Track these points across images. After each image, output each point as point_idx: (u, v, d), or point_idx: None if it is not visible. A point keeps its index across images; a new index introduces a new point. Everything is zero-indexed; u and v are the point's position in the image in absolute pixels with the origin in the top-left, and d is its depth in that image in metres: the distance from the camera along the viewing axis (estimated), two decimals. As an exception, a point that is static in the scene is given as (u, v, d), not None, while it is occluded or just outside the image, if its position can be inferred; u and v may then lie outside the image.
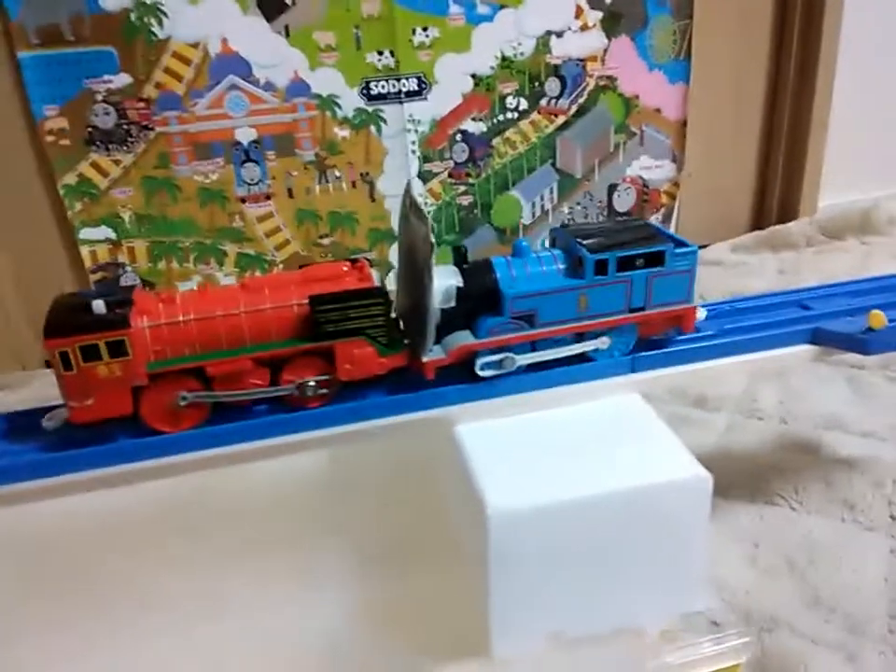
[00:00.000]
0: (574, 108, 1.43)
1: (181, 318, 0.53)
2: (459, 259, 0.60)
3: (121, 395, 0.52)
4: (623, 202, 1.54)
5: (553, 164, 1.46)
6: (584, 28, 1.37)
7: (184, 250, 1.28)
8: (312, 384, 0.56)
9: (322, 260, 1.34)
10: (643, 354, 0.61)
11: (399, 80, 1.29)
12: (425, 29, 1.27)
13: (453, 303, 0.58)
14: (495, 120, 1.38)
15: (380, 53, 1.26)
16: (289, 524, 0.70)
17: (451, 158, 1.38)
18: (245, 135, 1.25)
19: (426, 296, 0.55)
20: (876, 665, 0.64)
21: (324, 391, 0.57)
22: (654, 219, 1.58)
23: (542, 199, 1.48)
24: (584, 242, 0.60)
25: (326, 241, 1.35)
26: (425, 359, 0.57)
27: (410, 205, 0.58)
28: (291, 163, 1.28)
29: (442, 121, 1.34)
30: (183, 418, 0.55)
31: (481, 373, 0.59)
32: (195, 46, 1.19)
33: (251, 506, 0.72)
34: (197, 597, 0.63)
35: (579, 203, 1.50)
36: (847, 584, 0.71)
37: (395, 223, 1.38)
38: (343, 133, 1.29)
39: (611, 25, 1.39)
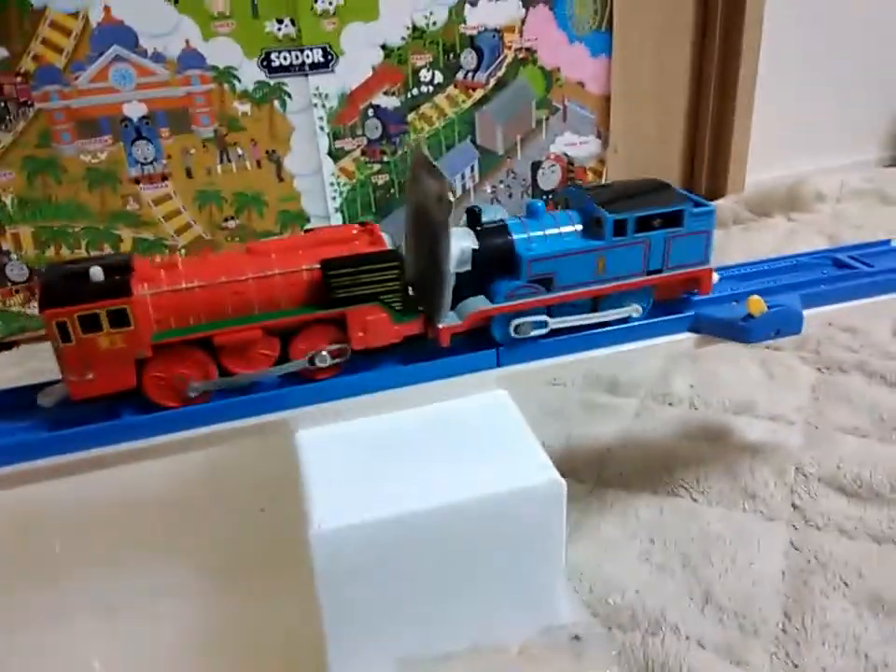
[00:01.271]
0: (492, 82, 1.37)
1: (185, 285, 0.49)
2: (473, 220, 0.57)
3: (124, 368, 0.49)
4: (548, 179, 1.49)
5: (473, 141, 1.40)
6: (500, -3, 1.31)
7: (74, 236, 1.20)
8: (324, 354, 0.52)
9: (227, 245, 1.29)
10: (509, 349, 0.56)
11: (302, 51, 1.21)
12: (328, -4, 1.20)
13: (468, 267, 0.55)
14: (409, 95, 1.31)
15: (280, 22, 1.18)
16: (145, 531, 0.64)
17: (363, 134, 1.31)
18: (135, 111, 1.16)
19: (442, 259, 0.51)
20: (766, 667, 0.61)
21: (336, 361, 0.53)
22: (581, 197, 1.53)
23: (463, 177, 1.42)
24: (602, 202, 0.57)
25: (231, 224, 1.28)
26: (440, 326, 0.54)
27: (421, 164, 0.54)
28: (188, 141, 1.20)
29: (352, 96, 1.27)
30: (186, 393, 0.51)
31: (515, 335, 0.56)
32: (74, 15, 1.10)
33: (109, 512, 0.67)
34: (44, 603, 0.57)
35: (502, 182, 1.45)
36: (741, 580, 0.68)
37: (305, 204, 1.32)
38: (243, 107, 1.21)
39: (528, -7, 1.33)
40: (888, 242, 0.73)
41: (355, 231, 0.55)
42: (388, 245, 0.54)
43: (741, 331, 0.59)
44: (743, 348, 1.04)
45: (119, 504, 0.68)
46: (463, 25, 1.30)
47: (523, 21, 1.34)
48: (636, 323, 0.60)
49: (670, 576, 0.69)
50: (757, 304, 0.58)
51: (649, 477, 0.82)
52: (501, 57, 1.36)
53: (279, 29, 1.19)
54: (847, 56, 1.66)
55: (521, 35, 1.36)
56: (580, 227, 0.58)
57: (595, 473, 0.83)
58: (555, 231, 0.58)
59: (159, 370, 0.50)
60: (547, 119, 1.44)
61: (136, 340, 0.48)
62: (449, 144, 1.38)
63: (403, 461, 0.47)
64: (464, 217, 0.59)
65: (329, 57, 1.23)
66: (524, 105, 1.41)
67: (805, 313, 0.63)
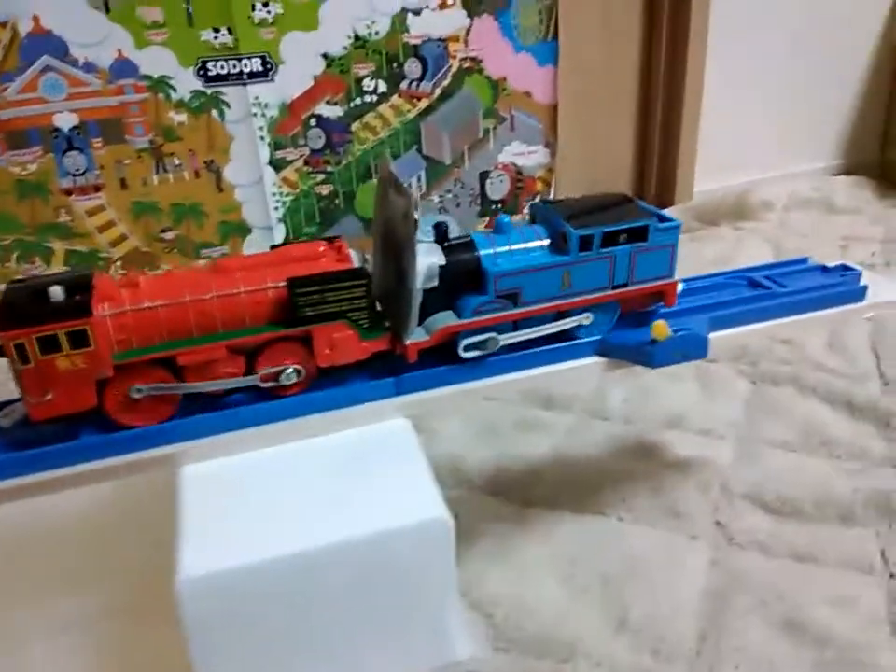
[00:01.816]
0: (438, 91, 1.36)
1: (147, 304, 0.49)
2: (440, 236, 0.56)
3: (84, 388, 0.48)
4: (497, 189, 1.49)
5: (419, 151, 1.39)
6: (443, 6, 1.30)
7: (4, 248, 1.17)
8: (289, 371, 0.52)
9: (166, 256, 1.26)
10: (408, 375, 0.55)
11: (240, 60, 1.19)
12: (266, 5, 1.18)
13: (435, 283, 0.55)
14: (352, 104, 1.30)
15: (216, 31, 1.16)
16: (51, 562, 0.62)
17: (306, 144, 1.29)
18: (66, 121, 1.13)
19: (408, 276, 0.52)
20: (677, 692, 0.61)
21: (301, 379, 0.53)
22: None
23: (410, 187, 1.41)
24: (568, 217, 0.57)
25: (169, 235, 1.25)
26: (407, 342, 0.54)
27: (388, 181, 0.54)
28: (122, 151, 1.18)
29: (293, 105, 1.26)
30: (151, 411, 0.51)
31: (464, 355, 0.56)
32: (3, 25, 1.07)
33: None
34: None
35: (449, 192, 1.44)
36: (659, 603, 0.68)
37: (247, 215, 1.30)
38: (179, 117, 1.19)
39: (473, 4, 1.32)
40: (805, 260, 0.73)
41: (322, 248, 0.55)
42: (355, 262, 0.54)
43: (646, 356, 0.58)
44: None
45: (26, 535, 0.66)
46: (406, 35, 1.29)
47: (468, 31, 1.34)
48: (546, 348, 0.59)
49: (589, 600, 0.68)
50: (661, 329, 0.57)
51: (575, 496, 0.81)
52: (446, 66, 1.35)
53: (216, 38, 1.17)
54: (796, 65, 1.68)
55: (466, 45, 1.35)
56: (546, 242, 0.59)
57: (523, 493, 0.82)
58: (522, 246, 0.58)
59: (120, 389, 0.49)
60: (494, 128, 1.43)
61: (97, 360, 0.48)
62: (394, 153, 1.37)
63: (287, 498, 0.46)
64: (431, 233, 0.58)
65: (269, 66, 1.21)
66: (470, 115, 1.40)
67: (717, 335, 0.62)
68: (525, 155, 1.48)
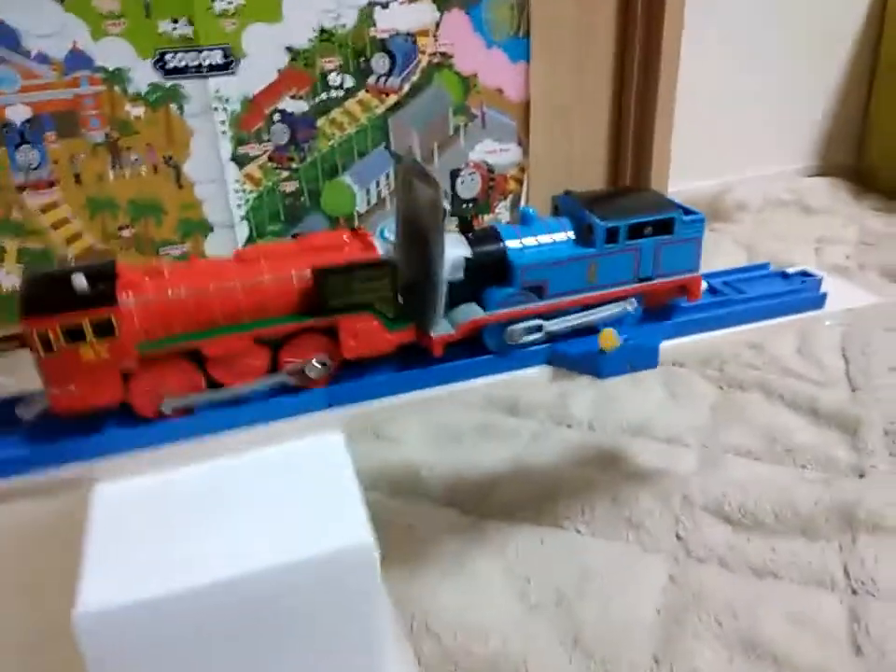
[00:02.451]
0: (407, 87, 1.33)
1: (171, 293, 0.47)
2: (465, 227, 0.56)
3: (109, 380, 0.47)
4: (468, 188, 1.46)
5: (388, 148, 1.35)
6: None
7: (-47, 245, 1.13)
8: (315, 364, 0.51)
9: (123, 255, 1.23)
10: (343, 384, 0.52)
11: (199, 52, 1.15)
12: (227, -5, 1.14)
13: (460, 275, 0.54)
14: (317, 99, 1.26)
15: (175, 21, 1.12)
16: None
17: (270, 140, 1.26)
18: (18, 114, 1.09)
19: (435, 267, 0.50)
20: (628, 715, 0.59)
21: (326, 371, 0.52)
22: (502, 207, 1.50)
23: (378, 185, 1.38)
24: (594, 209, 0.56)
25: (126, 233, 1.21)
26: (433, 335, 0.53)
27: (412, 170, 0.53)
28: (77, 145, 1.14)
29: (256, 99, 1.22)
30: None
31: (509, 342, 0.55)
32: (-50, 14, 1.03)
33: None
34: None
35: (419, 189, 1.41)
36: (614, 621, 0.66)
37: (208, 212, 1.26)
38: (136, 111, 1.15)
39: (442, -3, 1.29)
40: (766, 266, 0.71)
41: (346, 237, 0.53)
42: (380, 252, 0.53)
43: (593, 367, 0.56)
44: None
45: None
46: (374, 28, 1.26)
47: (437, 26, 1.31)
48: (491, 356, 0.57)
49: (541, 617, 0.66)
50: (609, 339, 0.55)
51: (534, 507, 0.79)
52: (415, 61, 1.32)
53: (174, 29, 1.13)
54: (770, 66, 1.66)
55: (436, 40, 1.32)
56: (571, 234, 0.58)
57: (480, 504, 0.80)
58: (547, 238, 0.57)
59: (145, 381, 0.48)
60: (465, 125, 1.40)
61: (121, 350, 0.46)
62: (362, 150, 1.33)
63: (203, 523, 0.43)
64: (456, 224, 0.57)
65: (230, 59, 1.18)
66: (440, 112, 1.37)
67: (670, 344, 0.60)
68: (497, 153, 1.46)
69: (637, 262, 0.58)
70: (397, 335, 0.53)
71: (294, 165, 1.29)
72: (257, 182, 1.27)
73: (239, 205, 1.27)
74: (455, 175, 1.43)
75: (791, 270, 0.70)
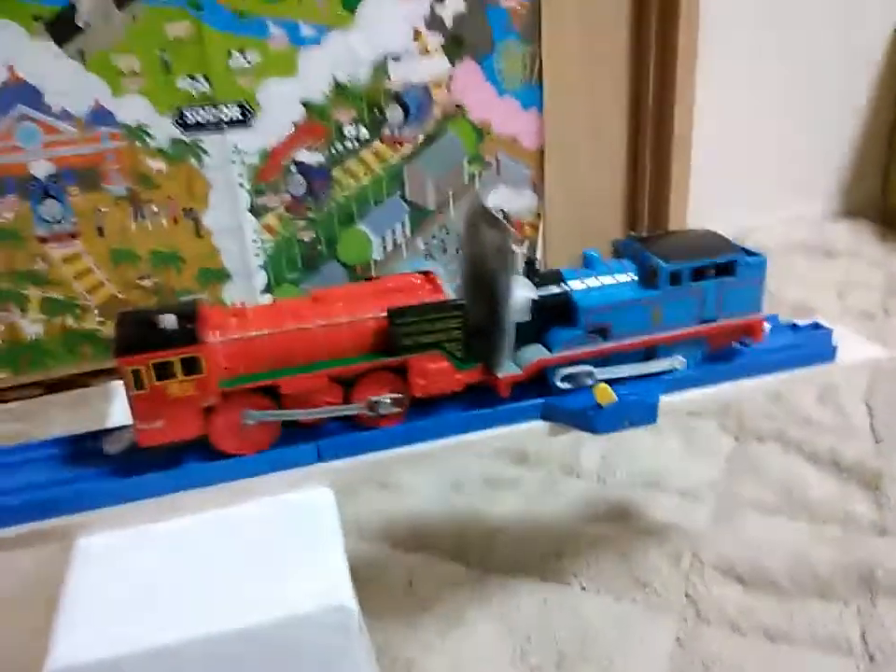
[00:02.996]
0: (421, 137, 1.35)
1: (254, 333, 0.50)
2: (530, 270, 0.57)
3: (193, 415, 0.49)
4: (484, 233, 1.46)
5: (403, 196, 1.37)
6: (424, 52, 1.30)
7: (-22, 296, 1.16)
8: (386, 401, 0.53)
9: (144, 304, 1.25)
10: (330, 440, 0.52)
11: (217, 108, 1.19)
12: (243, 52, 1.18)
13: (527, 316, 0.55)
14: (333, 150, 1.29)
15: (192, 78, 1.16)
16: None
17: (287, 191, 1.28)
18: (42, 169, 1.13)
19: (503, 310, 0.52)
20: None
21: (397, 409, 0.54)
22: (520, 252, 1.50)
23: (394, 233, 1.39)
24: (657, 252, 0.57)
25: (147, 282, 1.24)
26: (500, 375, 0.54)
27: (479, 214, 0.56)
28: (99, 199, 1.17)
29: (273, 152, 1.25)
30: (253, 439, 0.51)
31: (561, 385, 0.56)
32: (-25, 75, 1.07)
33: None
34: None
35: (434, 237, 1.42)
36: (616, 686, 0.63)
37: (226, 261, 1.28)
38: (157, 165, 1.19)
39: (454, 49, 1.31)
40: (774, 317, 0.69)
41: (417, 280, 0.55)
42: (449, 294, 0.55)
43: (589, 422, 0.55)
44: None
45: None
46: (388, 81, 1.29)
47: (450, 76, 1.33)
48: (488, 410, 0.56)
49: (540, 681, 0.64)
50: (605, 394, 0.54)
51: (539, 562, 0.77)
52: (429, 112, 1.34)
53: (192, 85, 1.17)
54: (792, 107, 1.66)
55: (448, 90, 1.34)
56: (634, 276, 0.59)
57: (484, 558, 0.78)
58: (611, 280, 0.58)
59: (225, 417, 0.50)
60: (480, 173, 1.42)
61: (206, 387, 0.48)
62: (377, 199, 1.35)
63: (180, 578, 0.43)
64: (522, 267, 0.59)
65: (247, 113, 1.21)
66: (454, 160, 1.39)
67: (670, 399, 0.59)
68: (513, 200, 1.46)
69: (700, 304, 0.58)
70: (465, 375, 0.54)
71: (311, 215, 1.31)
72: (274, 231, 1.30)
73: (257, 254, 1.29)
74: (470, 221, 1.44)
75: (801, 322, 0.69)
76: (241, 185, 1.24)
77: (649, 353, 0.59)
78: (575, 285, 0.57)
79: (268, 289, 1.31)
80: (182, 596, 0.42)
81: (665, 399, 0.58)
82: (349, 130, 1.29)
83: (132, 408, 0.48)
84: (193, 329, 0.47)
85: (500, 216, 0.53)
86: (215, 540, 0.46)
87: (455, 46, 1.31)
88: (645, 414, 0.56)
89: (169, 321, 0.47)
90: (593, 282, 0.58)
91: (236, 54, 1.18)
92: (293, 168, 1.27)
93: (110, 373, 1.27)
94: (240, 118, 1.21)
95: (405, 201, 1.38)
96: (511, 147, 1.42)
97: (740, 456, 0.94)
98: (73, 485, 0.49)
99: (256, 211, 1.27)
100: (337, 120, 1.28)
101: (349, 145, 1.30)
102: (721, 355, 0.62)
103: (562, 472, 0.93)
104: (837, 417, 1.00)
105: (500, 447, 0.92)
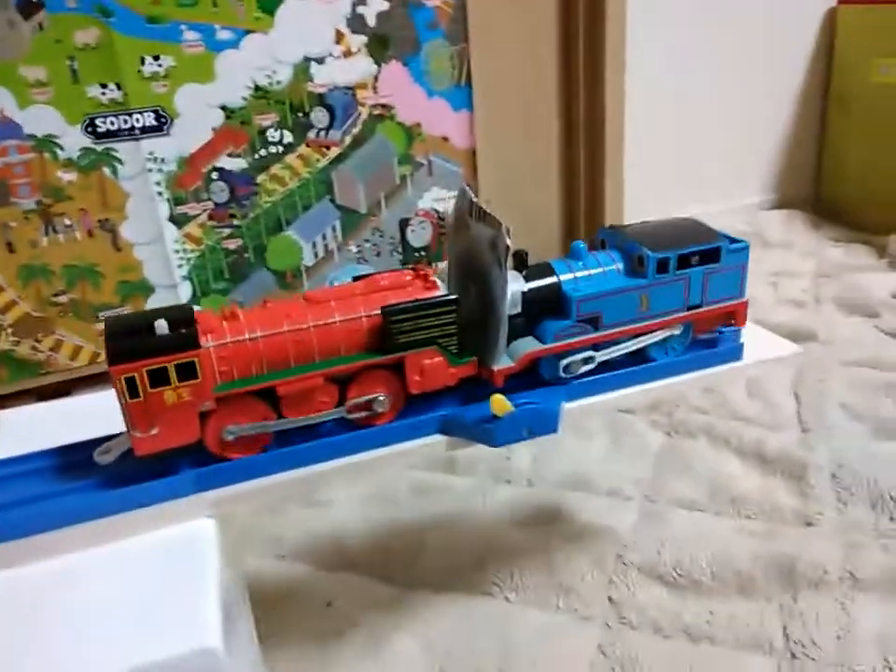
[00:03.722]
0: (348, 140, 1.32)
1: (248, 336, 0.49)
2: (520, 263, 0.57)
3: (189, 421, 0.48)
4: (419, 236, 1.44)
5: (332, 200, 1.34)
6: (348, 54, 1.27)
7: None
8: (381, 399, 0.53)
9: (61, 321, 1.20)
10: (210, 468, 0.49)
11: (130, 115, 1.15)
12: (156, 58, 1.14)
13: (518, 309, 0.56)
14: (256, 156, 1.25)
15: (104, 86, 1.12)
16: None
17: (209, 198, 1.24)
18: (-55, 185, 1.08)
19: (497, 304, 0.52)
20: None
21: (391, 406, 0.54)
22: (455, 252, 1.49)
23: (325, 238, 1.36)
24: (643, 241, 0.58)
25: (63, 298, 1.19)
26: (495, 368, 0.54)
27: (468, 210, 0.55)
28: (7, 214, 1.12)
29: (192, 159, 1.21)
30: (249, 443, 0.51)
31: (563, 375, 0.57)
32: None
33: None
34: None
35: (368, 241, 1.40)
36: (536, 699, 0.62)
37: (148, 273, 1.24)
38: (68, 176, 1.14)
39: (379, 50, 1.29)
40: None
41: (408, 277, 0.55)
42: (442, 290, 0.54)
43: (486, 434, 0.53)
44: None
45: None
46: (310, 83, 1.26)
47: (376, 78, 1.30)
48: (385, 425, 0.54)
49: (458, 699, 0.62)
50: (500, 404, 0.52)
51: (463, 574, 0.75)
52: (355, 114, 1.31)
53: (103, 93, 1.12)
54: (723, 102, 1.67)
55: (375, 92, 1.31)
56: (621, 266, 0.59)
57: (408, 573, 0.76)
58: (600, 270, 0.59)
59: (221, 421, 0.49)
60: (411, 174, 1.39)
61: (202, 392, 0.47)
62: (306, 204, 1.32)
63: (44, 624, 0.40)
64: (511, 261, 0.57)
65: (163, 120, 1.17)
66: (384, 162, 1.37)
67: (574, 405, 0.57)
68: (447, 200, 1.44)
69: (686, 291, 0.59)
70: (459, 369, 0.54)
71: (236, 222, 1.28)
72: (197, 241, 1.26)
73: (180, 265, 1.25)
74: (404, 224, 1.42)
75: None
76: (159, 193, 1.20)
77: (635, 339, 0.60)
78: (565, 276, 0.57)
79: (194, 300, 1.27)
80: (46, 645, 0.39)
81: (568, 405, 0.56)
82: (272, 134, 1.26)
83: (127, 416, 0.46)
84: (187, 334, 0.46)
85: (490, 210, 0.52)
86: (83, 583, 0.43)
87: (380, 47, 1.29)
88: (545, 423, 0.54)
89: (161, 326, 0.46)
90: (581, 273, 0.58)
91: (149, 60, 1.14)
92: (215, 175, 1.24)
93: (29, 395, 1.22)
94: (155, 124, 1.17)
95: (335, 205, 1.35)
96: (443, 147, 1.40)
97: (670, 453, 0.93)
98: (64, 498, 0.47)
99: (177, 220, 1.23)
100: (259, 125, 1.24)
101: (273, 149, 1.27)
102: (632, 361, 0.60)
103: (492, 478, 0.91)
104: (766, 409, 1.00)
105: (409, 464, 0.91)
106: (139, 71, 1.13)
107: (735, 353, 0.63)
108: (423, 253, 1.45)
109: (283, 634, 0.69)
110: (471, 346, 0.54)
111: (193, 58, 1.17)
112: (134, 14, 1.12)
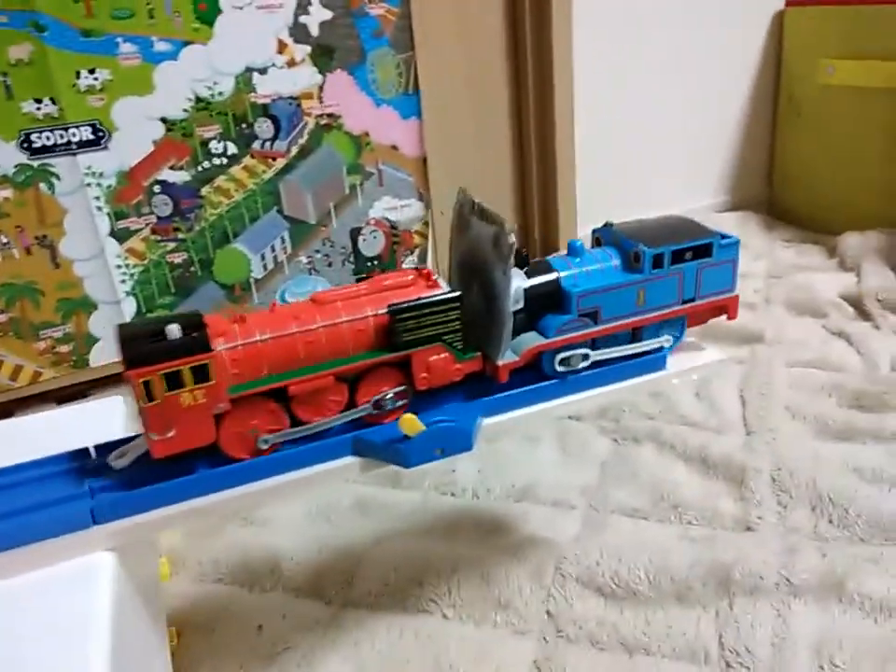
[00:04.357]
0: (295, 150, 1.30)
1: (258, 338, 0.50)
2: (520, 260, 0.58)
3: (204, 423, 0.49)
4: (371, 245, 1.43)
5: (280, 212, 1.33)
6: (291, 63, 1.26)
7: None
8: (390, 396, 0.54)
9: (1, 340, 1.17)
10: (107, 496, 0.47)
11: (66, 130, 1.12)
12: (92, 71, 1.12)
13: (521, 305, 0.57)
14: (199, 168, 1.24)
15: (38, 101, 1.09)
16: None
17: (151, 212, 1.22)
18: None
19: (501, 301, 0.54)
20: None
21: (400, 403, 0.55)
22: (409, 262, 1.48)
23: (273, 250, 1.34)
24: (639, 238, 0.60)
25: (2, 317, 1.16)
26: (500, 363, 0.56)
27: (470, 209, 0.57)
28: (-61, 233, 1.09)
29: (132, 172, 1.19)
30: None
31: (559, 369, 0.59)
32: None
33: None
34: None
35: (318, 251, 1.38)
36: (465, 721, 0.60)
37: (90, 290, 1.21)
38: (3, 193, 1.11)
39: (323, 59, 1.28)
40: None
41: (411, 277, 0.56)
42: (444, 288, 0.56)
43: (398, 455, 0.52)
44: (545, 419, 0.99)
45: None
46: (253, 94, 1.24)
47: (321, 88, 1.29)
48: (294, 450, 0.52)
49: (386, 722, 0.61)
50: (411, 424, 0.51)
51: (401, 592, 0.73)
52: (301, 124, 1.30)
53: (38, 108, 1.10)
54: (675, 105, 1.68)
55: (321, 102, 1.30)
56: (618, 262, 0.61)
57: (344, 592, 0.74)
58: (597, 266, 0.61)
59: (235, 422, 0.50)
60: (361, 184, 1.38)
61: (216, 394, 0.48)
62: (253, 216, 1.30)
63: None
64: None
65: (101, 133, 1.15)
66: (333, 172, 1.35)
67: (495, 421, 0.56)
68: (398, 209, 1.43)
69: (680, 285, 0.61)
70: (465, 365, 0.56)
71: (181, 236, 1.25)
72: (141, 256, 1.23)
73: (123, 280, 1.23)
74: (356, 233, 1.41)
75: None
76: (99, 208, 1.18)
77: (636, 334, 0.62)
78: (564, 272, 0.59)
79: (138, 316, 1.25)
80: None
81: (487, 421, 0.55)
82: (215, 146, 1.24)
83: (144, 420, 0.47)
84: (200, 337, 0.47)
85: (491, 208, 0.55)
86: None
87: (324, 56, 1.28)
88: (458, 442, 0.53)
89: (173, 331, 0.47)
90: (580, 269, 0.60)
91: (84, 74, 1.12)
92: (157, 188, 1.21)
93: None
94: (92, 138, 1.14)
95: (283, 216, 1.33)
96: (393, 156, 1.40)
97: (616, 460, 0.92)
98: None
99: (118, 235, 1.20)
100: (201, 137, 1.22)
101: (217, 161, 1.25)
102: (554, 374, 0.59)
103: (437, 492, 0.90)
104: (712, 413, 1.00)
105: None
106: (74, 85, 1.11)
107: (659, 363, 0.62)
108: (375, 262, 1.44)
109: (211, 660, 0.67)
110: (475, 342, 0.56)
111: (130, 70, 1.15)
112: (69, 28, 1.10)
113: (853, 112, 1.56)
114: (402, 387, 0.54)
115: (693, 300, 0.62)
